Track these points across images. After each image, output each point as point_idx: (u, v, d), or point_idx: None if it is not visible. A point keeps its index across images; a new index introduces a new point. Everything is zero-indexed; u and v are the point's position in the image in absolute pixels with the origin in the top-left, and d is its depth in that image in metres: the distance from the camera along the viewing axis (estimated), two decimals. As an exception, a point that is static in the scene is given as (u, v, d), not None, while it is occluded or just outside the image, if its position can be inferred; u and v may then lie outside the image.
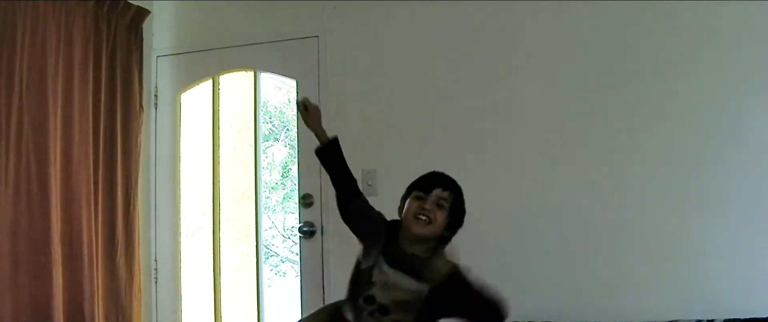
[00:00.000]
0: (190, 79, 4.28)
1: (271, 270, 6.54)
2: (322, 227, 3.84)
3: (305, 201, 3.90)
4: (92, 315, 3.59)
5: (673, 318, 3.06)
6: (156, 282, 4.21)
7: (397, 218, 2.52)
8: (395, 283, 2.41)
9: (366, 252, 2.51)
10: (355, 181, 2.63)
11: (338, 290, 3.76)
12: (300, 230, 3.92)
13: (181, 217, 4.24)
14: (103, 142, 3.81)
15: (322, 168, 2.69)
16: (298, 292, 3.98)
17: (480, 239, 3.53)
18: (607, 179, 3.35)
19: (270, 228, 6.44)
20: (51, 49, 3.52)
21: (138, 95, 4.04)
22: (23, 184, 3.37)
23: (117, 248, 3.84)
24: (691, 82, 3.25)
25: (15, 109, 3.36)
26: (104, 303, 3.74)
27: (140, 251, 4.02)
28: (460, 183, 3.58)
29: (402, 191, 4.00)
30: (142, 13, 4.08)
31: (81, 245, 3.58)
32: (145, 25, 4.13)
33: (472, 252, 3.51)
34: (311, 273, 3.90)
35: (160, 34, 4.30)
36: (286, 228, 6.57)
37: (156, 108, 4.28)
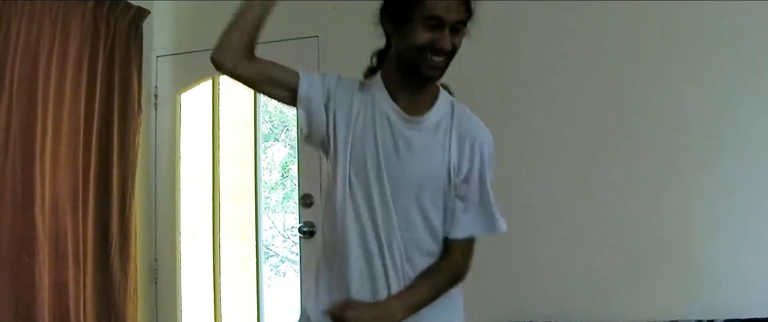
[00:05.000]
0: (190, 79, 4.28)
1: (271, 270, 6.54)
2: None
3: (305, 201, 3.89)
4: (78, 314, 3.59)
5: (673, 318, 3.06)
6: (156, 282, 4.21)
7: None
8: None
9: None
10: None
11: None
12: (300, 230, 3.92)
13: (181, 217, 4.24)
14: (97, 143, 3.80)
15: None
16: (298, 292, 3.98)
17: (480, 239, 3.54)
18: (608, 178, 3.35)
19: (270, 228, 6.44)
20: (44, 50, 3.52)
21: (137, 95, 4.04)
22: (8, 183, 3.37)
23: (111, 247, 3.83)
24: (692, 82, 3.25)
25: (4, 109, 3.36)
26: (94, 303, 3.73)
27: (139, 251, 4.02)
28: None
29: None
30: (142, 13, 4.08)
31: (66, 245, 3.58)
32: (145, 25, 4.13)
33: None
34: (311, 273, 3.89)
35: (160, 34, 4.30)
36: (286, 228, 6.57)
37: (156, 108, 4.28)
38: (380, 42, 4.09)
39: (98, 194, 3.81)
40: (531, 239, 3.45)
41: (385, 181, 1.87)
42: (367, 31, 4.20)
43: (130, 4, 4.01)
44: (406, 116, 1.90)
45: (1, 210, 3.35)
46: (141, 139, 4.08)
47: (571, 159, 3.41)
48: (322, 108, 1.89)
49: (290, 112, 5.86)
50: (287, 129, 6.37)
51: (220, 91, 4.25)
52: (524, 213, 3.47)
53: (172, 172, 4.25)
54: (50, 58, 3.56)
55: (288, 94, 1.91)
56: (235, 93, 4.31)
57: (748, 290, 3.05)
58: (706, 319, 3.02)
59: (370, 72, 1.99)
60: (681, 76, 3.26)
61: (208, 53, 4.55)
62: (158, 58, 4.30)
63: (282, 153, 6.75)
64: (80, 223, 3.67)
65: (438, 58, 1.86)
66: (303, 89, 1.88)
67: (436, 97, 1.98)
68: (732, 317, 2.98)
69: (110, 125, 3.88)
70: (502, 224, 2.03)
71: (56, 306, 3.51)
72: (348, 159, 1.87)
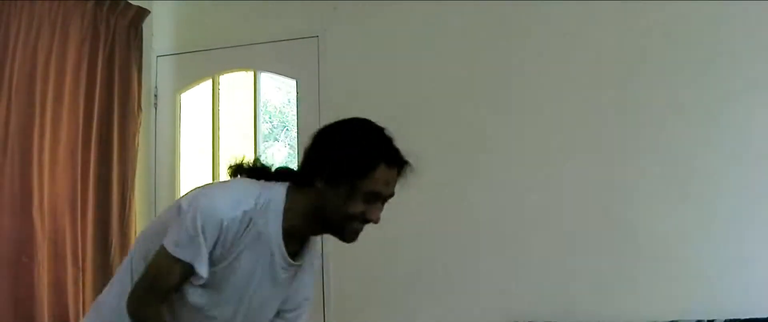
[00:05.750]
0: (190, 79, 4.28)
1: (271, 270, 6.52)
2: (322, 227, 3.84)
3: (305, 201, 3.88)
4: (77, 314, 3.59)
5: (673, 318, 3.06)
6: (156, 282, 4.20)
7: None
8: None
9: None
10: None
11: (338, 290, 3.78)
12: (300, 230, 3.91)
13: (181, 217, 4.23)
14: (97, 143, 3.79)
15: None
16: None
17: (480, 239, 3.54)
18: (608, 179, 3.35)
19: (270, 228, 6.41)
20: (43, 50, 3.52)
21: (137, 95, 4.03)
22: (7, 184, 3.36)
23: (111, 248, 3.83)
24: (690, 82, 3.25)
25: (3, 109, 3.36)
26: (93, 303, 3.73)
27: (139, 252, 4.02)
28: (460, 183, 3.61)
29: (402, 191, 4.00)
30: (141, 13, 4.08)
31: (65, 246, 3.58)
32: (144, 25, 4.12)
33: (473, 252, 3.53)
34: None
35: (160, 34, 4.30)
36: (286, 228, 6.54)
37: (156, 108, 4.28)
38: (379, 42, 4.08)
39: (98, 194, 3.81)
40: (531, 239, 3.45)
41: (246, 306, 1.87)
42: (367, 31, 4.23)
43: (130, 4, 4.00)
44: (289, 262, 1.86)
45: (0, 211, 3.35)
46: (141, 139, 4.07)
47: (571, 160, 3.41)
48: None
49: (290, 112, 5.86)
50: (287, 129, 6.37)
51: (220, 91, 4.25)
52: (524, 213, 3.47)
53: (172, 172, 4.25)
54: (49, 58, 3.56)
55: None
56: (235, 93, 4.31)
57: (748, 290, 3.05)
58: (706, 319, 3.02)
59: (260, 173, 1.87)
60: (680, 78, 3.27)
61: (208, 53, 4.56)
62: (158, 58, 4.30)
63: (282, 153, 6.74)
64: (79, 223, 3.67)
65: (361, 226, 1.81)
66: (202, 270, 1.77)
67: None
68: (732, 317, 2.98)
69: (110, 125, 3.88)
70: None
71: (56, 307, 3.51)
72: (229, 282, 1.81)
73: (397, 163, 1.82)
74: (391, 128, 3.86)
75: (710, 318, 3.01)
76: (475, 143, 3.58)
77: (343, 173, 1.75)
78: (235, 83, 4.32)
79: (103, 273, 3.81)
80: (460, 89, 3.64)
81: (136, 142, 4.03)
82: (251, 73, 4.16)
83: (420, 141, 3.66)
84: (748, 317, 2.95)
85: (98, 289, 3.76)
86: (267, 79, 4.26)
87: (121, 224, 3.90)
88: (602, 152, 3.38)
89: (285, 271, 1.87)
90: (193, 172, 4.28)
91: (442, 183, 3.61)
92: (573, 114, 3.42)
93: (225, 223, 1.73)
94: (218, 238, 1.74)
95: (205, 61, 4.23)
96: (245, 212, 1.75)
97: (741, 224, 3.12)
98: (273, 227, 1.79)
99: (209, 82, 4.25)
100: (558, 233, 3.39)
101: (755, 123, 3.15)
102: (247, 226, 1.76)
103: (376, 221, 1.80)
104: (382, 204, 1.81)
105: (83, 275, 3.67)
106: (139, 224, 4.05)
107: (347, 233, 1.82)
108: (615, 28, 3.39)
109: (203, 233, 1.72)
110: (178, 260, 1.74)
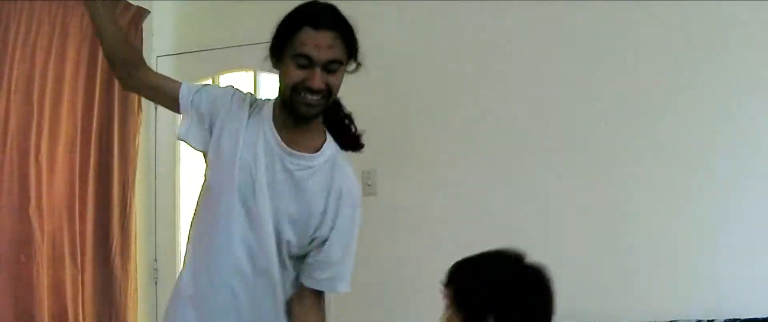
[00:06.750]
0: (190, 80, 4.24)
1: (271, 270, 6.52)
2: (322, 227, 3.84)
3: (305, 201, 3.89)
4: (76, 314, 3.59)
5: (673, 318, 3.06)
6: (156, 283, 4.20)
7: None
8: None
9: None
10: None
11: (338, 290, 3.78)
12: (300, 230, 3.91)
13: (181, 217, 4.23)
14: (97, 143, 3.80)
15: None
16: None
17: (480, 240, 3.53)
18: (608, 179, 3.35)
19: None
20: (42, 50, 3.53)
21: (137, 95, 4.04)
22: (5, 183, 3.37)
23: (112, 247, 3.84)
24: (692, 83, 3.25)
25: (2, 109, 3.37)
26: (94, 303, 3.73)
27: (139, 251, 4.02)
28: (460, 183, 3.61)
29: (402, 191, 4.00)
30: (142, 13, 4.08)
31: (63, 245, 3.58)
32: (145, 25, 4.13)
33: (473, 252, 3.52)
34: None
35: (160, 34, 4.30)
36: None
37: (156, 108, 4.27)
38: (379, 42, 4.09)
39: (98, 194, 3.81)
40: (530, 239, 3.43)
41: (265, 204, 1.89)
42: (366, 31, 4.21)
43: (130, 4, 4.01)
44: (290, 151, 1.90)
45: (-1, 210, 3.36)
46: (141, 139, 4.08)
47: (572, 159, 3.41)
48: (204, 119, 2.06)
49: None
50: (287, 129, 6.38)
51: (220, 91, 4.25)
52: (524, 213, 3.47)
53: (172, 172, 4.25)
54: (49, 58, 3.56)
55: (173, 103, 2.06)
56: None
57: (748, 291, 3.05)
58: (706, 319, 3.02)
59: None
60: (683, 78, 3.26)
61: (208, 53, 4.56)
62: (158, 58, 4.30)
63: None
64: (78, 223, 3.68)
65: (312, 97, 1.83)
66: (183, 96, 2.07)
67: (322, 142, 1.96)
68: (732, 317, 2.98)
69: (110, 125, 3.88)
70: (347, 286, 2.02)
71: (55, 307, 3.51)
72: (236, 175, 1.89)
73: (322, 24, 1.83)
74: (391, 127, 3.88)
75: (710, 318, 3.01)
76: (475, 143, 3.58)
77: (276, 44, 1.85)
78: (235, 83, 4.31)
79: (104, 273, 3.81)
80: (460, 89, 3.64)
81: (136, 142, 4.03)
82: (251, 73, 4.16)
83: (420, 141, 3.68)
84: (748, 317, 2.95)
85: (98, 289, 3.77)
86: (267, 79, 4.26)
87: (121, 224, 3.91)
88: (602, 152, 3.38)
89: (292, 163, 1.90)
90: (194, 172, 4.28)
91: (443, 183, 3.61)
92: (574, 114, 3.42)
93: (222, 89, 2.05)
94: (231, 97, 1.99)
95: (205, 61, 4.23)
96: (245, 92, 1.98)
97: (741, 224, 3.12)
98: (267, 121, 1.92)
99: (209, 82, 4.24)
100: (557, 232, 3.39)
101: (755, 123, 3.14)
102: (251, 106, 1.93)
103: (315, 87, 1.81)
104: (324, 71, 1.83)
105: (82, 275, 3.67)
106: (139, 224, 4.05)
107: (298, 105, 1.84)
108: (617, 29, 3.39)
109: (204, 90, 2.05)
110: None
